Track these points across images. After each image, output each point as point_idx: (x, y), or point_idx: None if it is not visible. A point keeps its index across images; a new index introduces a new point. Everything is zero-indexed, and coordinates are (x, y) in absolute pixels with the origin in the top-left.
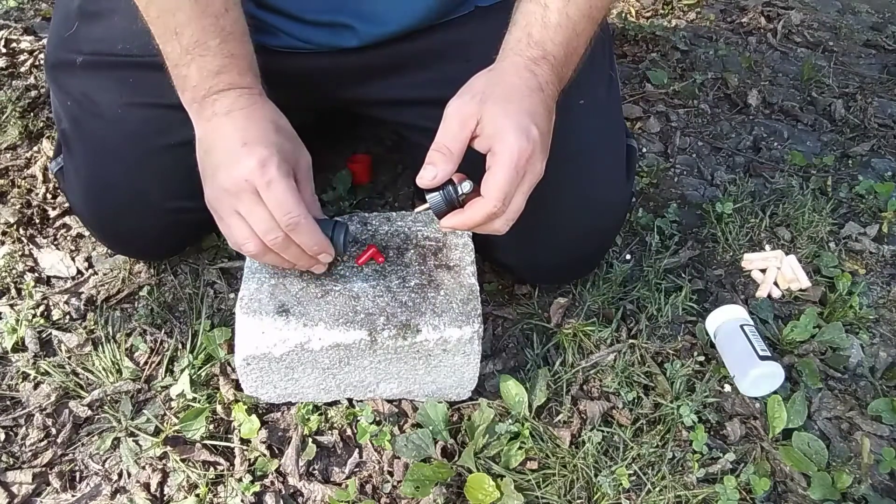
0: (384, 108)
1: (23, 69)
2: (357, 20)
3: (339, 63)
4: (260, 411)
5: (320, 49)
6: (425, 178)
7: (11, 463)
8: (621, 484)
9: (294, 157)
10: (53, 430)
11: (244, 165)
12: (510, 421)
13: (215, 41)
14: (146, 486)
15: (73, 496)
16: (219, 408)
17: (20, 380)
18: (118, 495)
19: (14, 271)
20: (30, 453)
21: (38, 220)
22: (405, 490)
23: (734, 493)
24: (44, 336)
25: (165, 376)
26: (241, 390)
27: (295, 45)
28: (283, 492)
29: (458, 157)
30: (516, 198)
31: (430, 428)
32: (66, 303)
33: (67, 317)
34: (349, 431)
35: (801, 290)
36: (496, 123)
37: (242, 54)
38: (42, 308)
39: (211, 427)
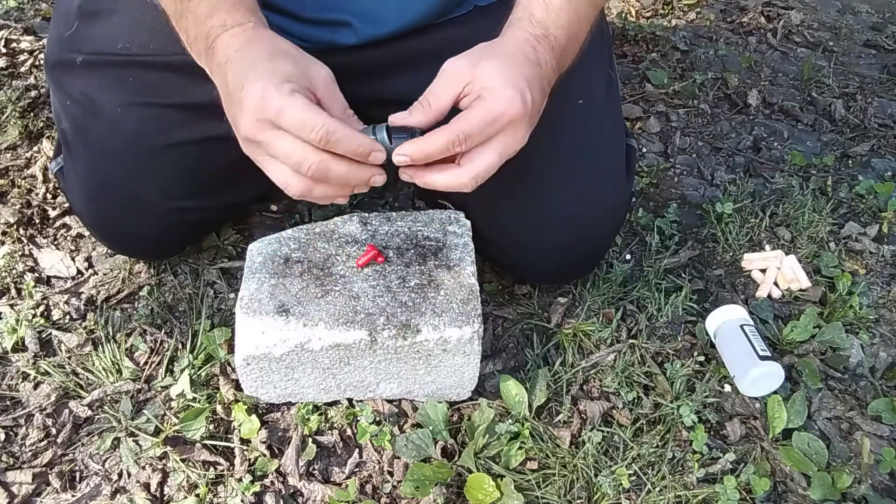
0: (383, 107)
1: (23, 69)
2: (356, 18)
3: (338, 62)
4: (260, 411)
5: (319, 48)
6: (395, 117)
7: (11, 463)
8: (621, 484)
9: (305, 76)
10: (53, 430)
11: (248, 107)
12: (510, 421)
13: None
14: (146, 486)
15: (73, 496)
16: (219, 408)
17: (20, 380)
18: (118, 495)
19: (14, 271)
20: (30, 453)
21: (38, 220)
22: (405, 490)
23: (734, 493)
24: (44, 336)
25: (165, 376)
26: (241, 390)
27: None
28: (283, 492)
29: (438, 113)
30: (487, 152)
31: (430, 428)
32: (66, 303)
33: (67, 317)
34: (349, 431)
35: (801, 290)
36: (489, 81)
37: None
38: (42, 308)
39: (211, 427)
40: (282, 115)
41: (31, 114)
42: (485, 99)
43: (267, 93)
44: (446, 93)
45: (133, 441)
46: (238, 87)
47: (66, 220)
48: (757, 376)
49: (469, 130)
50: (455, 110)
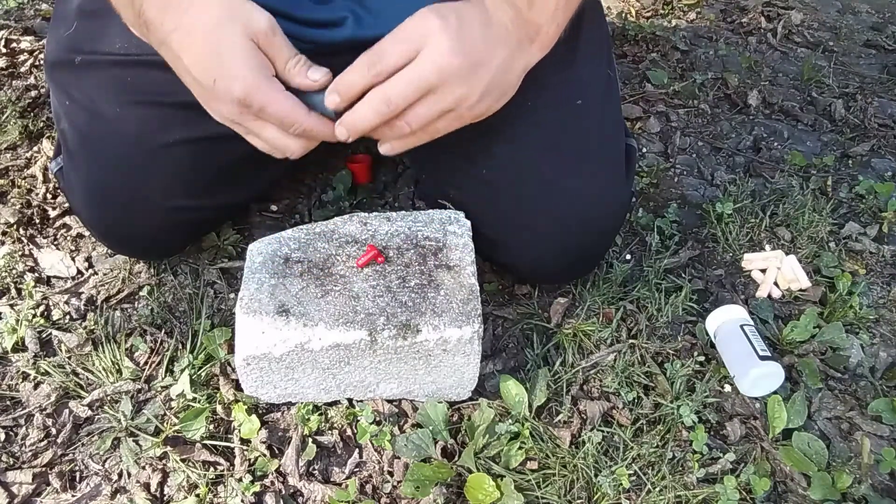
0: None
1: (23, 69)
2: (353, 17)
3: (336, 62)
4: (260, 411)
5: (318, 48)
6: (332, 76)
7: (11, 463)
8: (621, 484)
9: (250, 29)
10: (53, 430)
11: (229, 102)
12: (510, 421)
13: None
14: (146, 486)
15: (73, 496)
16: (219, 408)
17: (20, 380)
18: (118, 495)
19: (14, 271)
20: (30, 453)
21: (38, 220)
22: (405, 490)
23: (734, 493)
24: (44, 336)
25: (165, 376)
26: (241, 390)
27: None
28: (283, 492)
29: (381, 70)
30: (419, 107)
31: (430, 428)
32: (66, 303)
33: (67, 317)
34: (349, 431)
35: (801, 290)
36: (428, 29)
37: None
38: (42, 308)
39: (211, 427)
40: (264, 111)
41: (31, 114)
42: (418, 56)
43: (248, 91)
44: (393, 45)
45: (133, 441)
46: (207, 80)
47: (66, 220)
48: (757, 376)
49: (380, 50)
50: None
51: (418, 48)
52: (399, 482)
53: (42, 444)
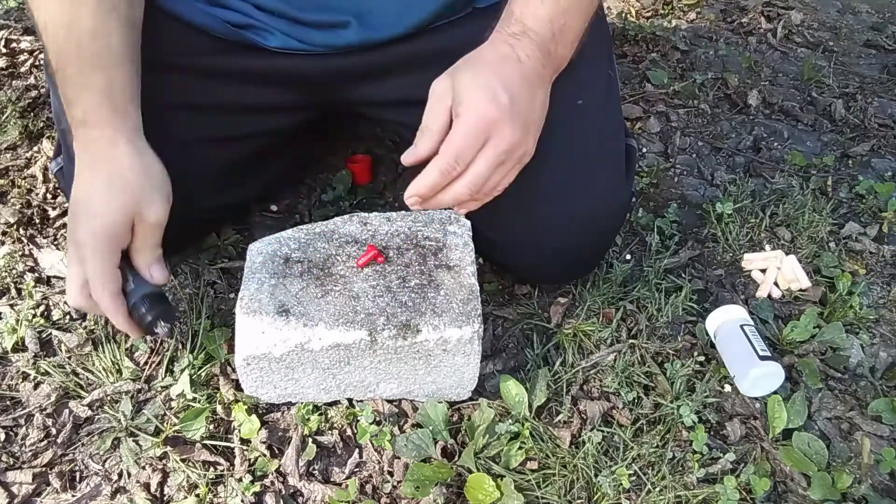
0: (383, 108)
1: (23, 69)
2: (356, 20)
3: (338, 64)
4: (260, 411)
5: (318, 50)
6: (406, 157)
7: (11, 463)
8: (621, 484)
9: (128, 211)
10: (53, 430)
11: (72, 239)
12: (510, 421)
13: (72, 69)
14: (146, 486)
15: (73, 496)
16: (219, 408)
17: (20, 380)
18: (118, 495)
19: (14, 271)
20: (30, 453)
21: (38, 220)
22: (405, 490)
23: (734, 493)
24: (44, 336)
25: (165, 376)
26: (241, 390)
27: (293, 46)
28: (283, 492)
29: (440, 133)
30: (478, 163)
31: (430, 428)
32: (66, 303)
33: (67, 317)
34: (349, 431)
35: (801, 290)
36: (463, 88)
37: (99, 86)
38: (42, 308)
39: (211, 427)
40: (87, 264)
41: (31, 114)
42: (459, 115)
43: (84, 250)
44: (438, 113)
45: (133, 441)
46: (74, 209)
47: (66, 220)
48: (757, 376)
49: (457, 150)
50: None
51: (487, 138)
52: (399, 482)
53: (42, 444)
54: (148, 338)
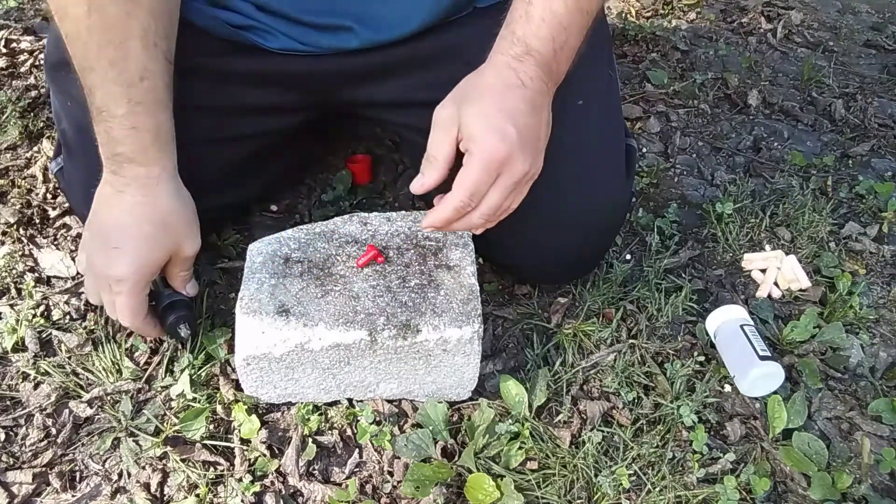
0: (384, 109)
1: (23, 69)
2: (358, 23)
3: (339, 65)
4: (260, 411)
5: (319, 51)
6: (414, 186)
7: (11, 463)
8: (621, 484)
9: (166, 258)
10: (53, 430)
11: (102, 270)
12: (510, 421)
13: (121, 110)
14: (146, 486)
15: (73, 496)
16: (219, 408)
17: (20, 380)
18: (118, 495)
19: (14, 271)
20: (30, 453)
21: (38, 220)
22: (405, 490)
23: (734, 493)
24: (44, 336)
25: (165, 376)
26: (241, 390)
27: (294, 48)
28: (283, 492)
29: (446, 163)
30: (491, 195)
31: (430, 428)
32: (66, 303)
33: (67, 317)
34: (349, 431)
35: (801, 290)
36: (471, 125)
37: (148, 127)
38: (42, 308)
39: (211, 427)
40: (118, 298)
41: (31, 114)
42: (471, 153)
43: (124, 282)
44: (443, 143)
45: (133, 441)
46: (112, 241)
47: (66, 220)
48: (757, 376)
49: (471, 189)
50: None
51: (500, 173)
52: (399, 482)
53: (42, 444)
54: (147, 338)
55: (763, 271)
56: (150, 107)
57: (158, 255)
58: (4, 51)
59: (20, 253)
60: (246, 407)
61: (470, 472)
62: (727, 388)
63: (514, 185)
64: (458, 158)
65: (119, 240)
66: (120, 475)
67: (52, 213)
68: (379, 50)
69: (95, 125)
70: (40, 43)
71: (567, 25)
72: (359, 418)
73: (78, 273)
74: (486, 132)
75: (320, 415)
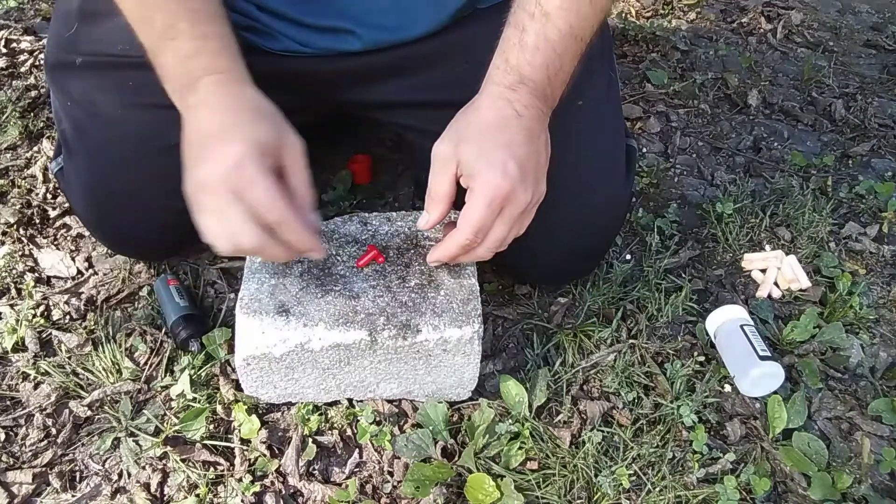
0: (384, 110)
1: (23, 69)
2: (359, 27)
3: (339, 66)
4: (260, 411)
5: (320, 53)
6: (420, 224)
7: (11, 463)
8: (621, 484)
9: (279, 146)
10: (53, 430)
11: (220, 164)
12: (510, 421)
13: (185, 23)
14: (146, 486)
15: (73, 496)
16: (219, 408)
17: (20, 380)
18: (118, 495)
19: (14, 271)
20: (30, 453)
21: (38, 220)
22: (405, 490)
23: (734, 493)
24: (44, 336)
25: (165, 376)
26: (241, 390)
27: (295, 49)
28: (283, 492)
29: (447, 198)
30: (496, 229)
31: (430, 428)
32: (66, 303)
33: (67, 317)
34: (349, 431)
35: (801, 290)
36: (472, 163)
37: (215, 34)
38: (42, 308)
39: (211, 427)
40: (249, 189)
41: (31, 114)
42: (473, 190)
43: (244, 161)
44: (443, 180)
45: (133, 441)
46: (214, 136)
47: (66, 220)
48: (757, 376)
49: (476, 227)
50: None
51: (503, 207)
52: (399, 482)
53: (42, 444)
54: (147, 337)
55: (763, 271)
56: (212, 17)
57: (267, 133)
58: (4, 51)
59: (20, 253)
60: (246, 407)
61: (470, 472)
62: (727, 388)
63: (519, 215)
64: (459, 190)
65: (221, 134)
66: (120, 475)
67: (52, 213)
68: (380, 52)
69: (160, 56)
70: (40, 43)
71: (561, 52)
72: (359, 418)
73: (78, 272)
74: (486, 170)
75: (320, 415)
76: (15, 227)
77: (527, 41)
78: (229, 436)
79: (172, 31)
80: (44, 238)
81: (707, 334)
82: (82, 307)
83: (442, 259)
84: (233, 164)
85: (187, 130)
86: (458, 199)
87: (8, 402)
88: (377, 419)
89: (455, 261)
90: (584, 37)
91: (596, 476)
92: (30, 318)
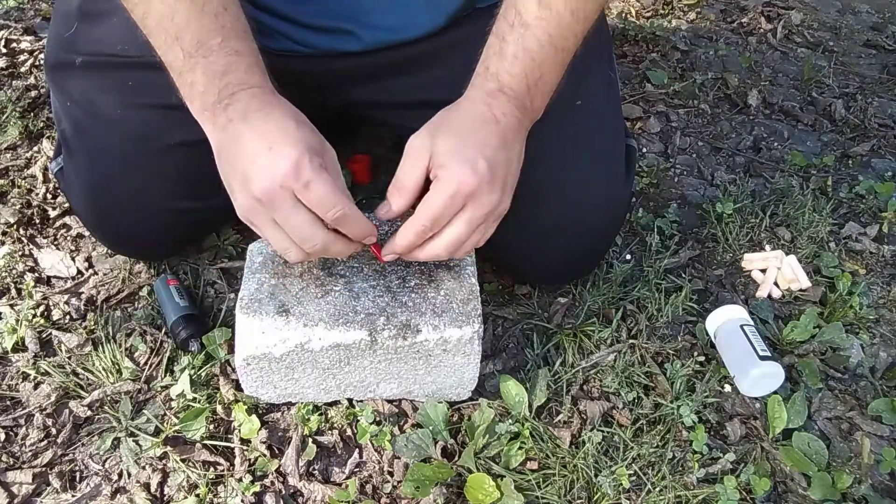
0: (384, 110)
1: (23, 69)
2: (359, 27)
3: (339, 66)
4: (260, 411)
5: (319, 52)
6: (380, 212)
7: (11, 463)
8: (621, 484)
9: (322, 150)
10: (53, 430)
11: (277, 171)
12: (510, 421)
13: (217, 39)
14: (146, 486)
15: (73, 496)
16: (219, 408)
17: (20, 380)
18: (118, 495)
19: (14, 271)
20: (30, 453)
21: (38, 220)
22: (405, 490)
23: (734, 493)
24: (44, 336)
25: (165, 376)
26: (241, 390)
27: (294, 49)
28: (283, 492)
29: (413, 192)
30: (456, 225)
31: (431, 428)
32: (66, 303)
33: (67, 317)
34: (349, 431)
35: (801, 290)
36: (443, 156)
37: (247, 51)
38: (42, 308)
39: (211, 427)
40: (308, 189)
41: (31, 114)
42: (439, 179)
43: (301, 162)
44: (413, 173)
45: (133, 441)
46: (264, 147)
47: (66, 220)
48: (757, 376)
49: (433, 215)
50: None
51: (466, 204)
52: (399, 482)
53: (42, 444)
54: (147, 337)
55: (763, 271)
56: (241, 33)
57: (311, 137)
58: (4, 51)
59: (20, 253)
60: (246, 407)
61: (470, 472)
62: (727, 388)
63: (482, 218)
64: (427, 189)
65: (270, 144)
66: (120, 475)
67: (52, 213)
68: (379, 51)
69: (189, 74)
70: (40, 43)
71: (540, 62)
72: (359, 418)
73: (78, 272)
74: (456, 162)
75: (320, 415)
76: (15, 227)
77: (506, 50)
78: (229, 436)
79: (204, 49)
80: (44, 238)
81: (707, 334)
82: (82, 307)
83: (396, 250)
84: (290, 170)
85: (227, 149)
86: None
87: (8, 402)
88: (377, 419)
89: (411, 256)
90: (566, 47)
91: (596, 476)
92: (30, 318)
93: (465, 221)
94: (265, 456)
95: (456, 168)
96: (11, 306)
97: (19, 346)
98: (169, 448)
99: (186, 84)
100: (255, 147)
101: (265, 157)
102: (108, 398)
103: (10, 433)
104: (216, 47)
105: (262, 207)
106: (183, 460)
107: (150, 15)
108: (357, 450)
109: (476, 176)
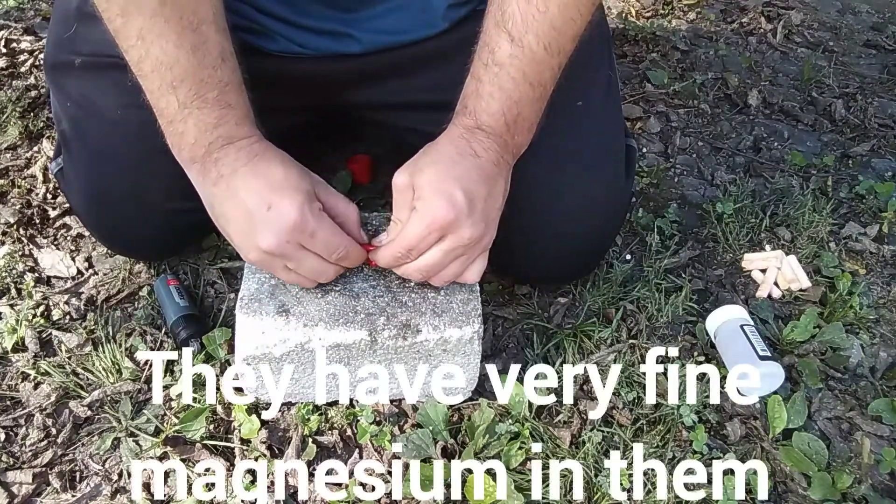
0: (384, 111)
1: (23, 69)
2: (358, 31)
3: (339, 67)
4: (260, 411)
5: (319, 54)
6: (378, 242)
7: (11, 463)
8: (621, 484)
9: (312, 187)
10: (53, 430)
11: (282, 228)
12: (510, 421)
13: (213, 93)
14: (146, 486)
15: (73, 496)
16: (219, 408)
17: (20, 380)
18: (118, 495)
19: (14, 271)
20: (30, 453)
21: (38, 220)
22: (405, 490)
23: (734, 493)
24: (44, 336)
25: (165, 376)
26: (241, 390)
27: (293, 50)
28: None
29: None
30: (432, 253)
31: (431, 428)
32: (66, 303)
33: (67, 317)
34: (349, 431)
35: (801, 290)
36: (423, 187)
37: (240, 103)
38: (42, 308)
39: (211, 427)
40: (314, 237)
41: (31, 114)
42: (417, 211)
43: (304, 214)
44: (404, 207)
45: (133, 441)
46: (263, 206)
47: (66, 220)
48: (757, 376)
49: (408, 244)
50: None
51: (444, 235)
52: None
53: (42, 444)
54: (147, 338)
55: (763, 271)
56: (237, 86)
57: (301, 179)
58: (4, 51)
59: (20, 253)
60: (246, 407)
61: (470, 472)
62: (727, 387)
63: (462, 249)
64: None
65: (267, 198)
66: (120, 475)
67: (52, 213)
68: (379, 53)
69: (179, 125)
70: (40, 43)
71: (518, 100)
72: (359, 418)
73: (78, 272)
74: (434, 195)
75: (320, 415)
76: (15, 227)
77: (482, 90)
78: (229, 436)
79: (199, 101)
80: (44, 238)
81: (707, 334)
82: (82, 307)
83: (379, 263)
84: (294, 225)
85: (220, 203)
86: None
87: (8, 402)
88: (377, 419)
89: (393, 269)
90: (542, 82)
91: (596, 476)
92: (30, 318)
93: (441, 251)
94: (265, 456)
95: (433, 201)
96: (11, 306)
97: (19, 346)
98: (169, 448)
99: (177, 133)
100: (253, 205)
101: (266, 216)
102: (108, 398)
103: (10, 433)
104: (211, 100)
105: (274, 258)
106: (183, 460)
107: (146, 61)
108: (357, 450)
109: (454, 209)
